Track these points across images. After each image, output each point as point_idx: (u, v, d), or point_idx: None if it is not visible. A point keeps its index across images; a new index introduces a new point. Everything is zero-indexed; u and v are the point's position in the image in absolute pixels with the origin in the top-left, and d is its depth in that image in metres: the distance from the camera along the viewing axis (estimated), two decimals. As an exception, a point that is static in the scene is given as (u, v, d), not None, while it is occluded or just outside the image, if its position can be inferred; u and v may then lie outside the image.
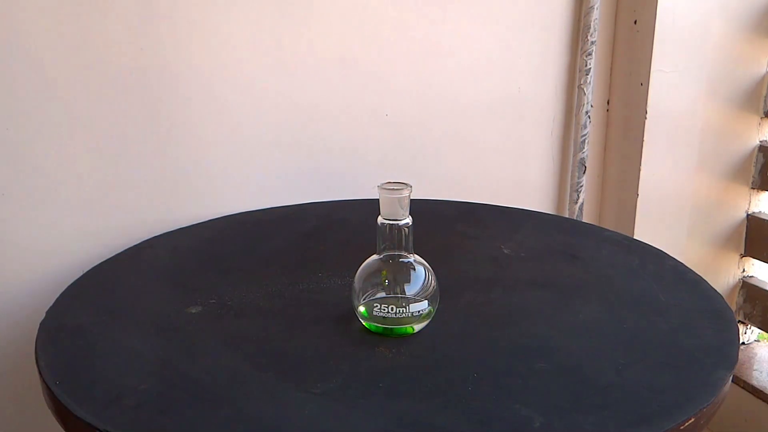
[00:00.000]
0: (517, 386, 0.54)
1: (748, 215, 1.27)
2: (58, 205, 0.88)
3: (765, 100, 1.22)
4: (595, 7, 1.12)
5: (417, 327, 0.62)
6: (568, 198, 1.22)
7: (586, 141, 1.18)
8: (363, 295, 0.62)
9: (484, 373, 0.56)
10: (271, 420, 0.50)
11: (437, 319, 0.63)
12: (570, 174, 1.21)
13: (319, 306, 0.68)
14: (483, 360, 0.58)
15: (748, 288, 1.30)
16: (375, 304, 0.60)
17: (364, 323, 0.62)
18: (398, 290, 0.61)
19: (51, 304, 0.68)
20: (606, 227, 1.02)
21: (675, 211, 1.21)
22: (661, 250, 0.82)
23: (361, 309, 0.62)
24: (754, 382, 1.21)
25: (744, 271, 1.31)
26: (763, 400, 1.19)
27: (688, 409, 0.51)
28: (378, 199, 0.60)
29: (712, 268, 1.28)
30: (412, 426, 0.50)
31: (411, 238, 0.61)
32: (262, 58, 0.96)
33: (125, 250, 0.82)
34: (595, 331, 0.63)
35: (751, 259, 1.30)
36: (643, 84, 1.13)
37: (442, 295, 0.63)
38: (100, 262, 0.79)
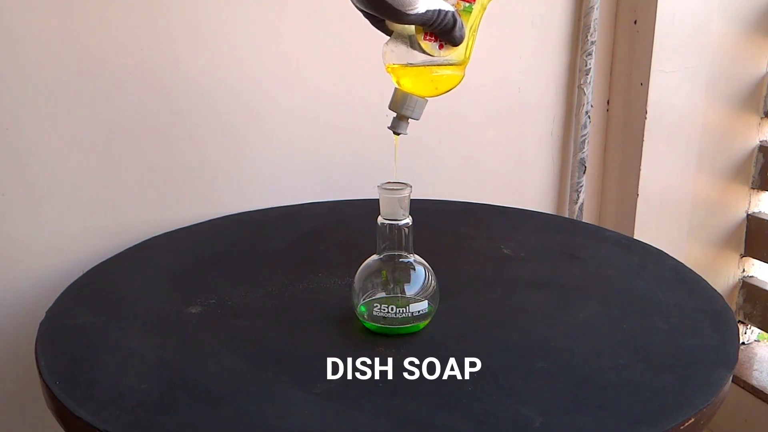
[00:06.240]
0: (517, 386, 0.54)
1: (748, 215, 1.27)
2: (58, 205, 0.88)
3: (765, 100, 1.22)
4: (595, 7, 1.12)
5: (417, 327, 0.62)
6: (568, 198, 1.22)
7: (586, 141, 1.18)
8: (363, 295, 0.62)
9: (484, 373, 0.56)
10: (271, 420, 0.50)
11: (437, 319, 0.63)
12: (570, 174, 1.21)
13: (319, 306, 0.68)
14: (483, 360, 0.58)
15: (748, 288, 1.30)
16: (375, 304, 0.60)
17: (364, 323, 0.62)
18: (398, 290, 0.61)
19: (51, 304, 0.68)
20: (606, 227, 1.02)
21: (675, 211, 1.21)
22: (661, 250, 0.82)
23: (361, 309, 0.62)
24: (754, 382, 1.21)
25: (744, 271, 1.31)
26: (763, 400, 1.19)
27: (688, 409, 0.51)
28: (378, 199, 0.60)
29: (712, 268, 1.28)
30: (412, 426, 0.50)
31: (411, 238, 0.61)
32: (262, 58, 0.96)
33: (125, 250, 0.82)
34: (595, 331, 0.63)
35: (751, 259, 1.30)
36: (643, 84, 1.13)
37: (442, 295, 0.63)
38: (99, 262, 0.79)
